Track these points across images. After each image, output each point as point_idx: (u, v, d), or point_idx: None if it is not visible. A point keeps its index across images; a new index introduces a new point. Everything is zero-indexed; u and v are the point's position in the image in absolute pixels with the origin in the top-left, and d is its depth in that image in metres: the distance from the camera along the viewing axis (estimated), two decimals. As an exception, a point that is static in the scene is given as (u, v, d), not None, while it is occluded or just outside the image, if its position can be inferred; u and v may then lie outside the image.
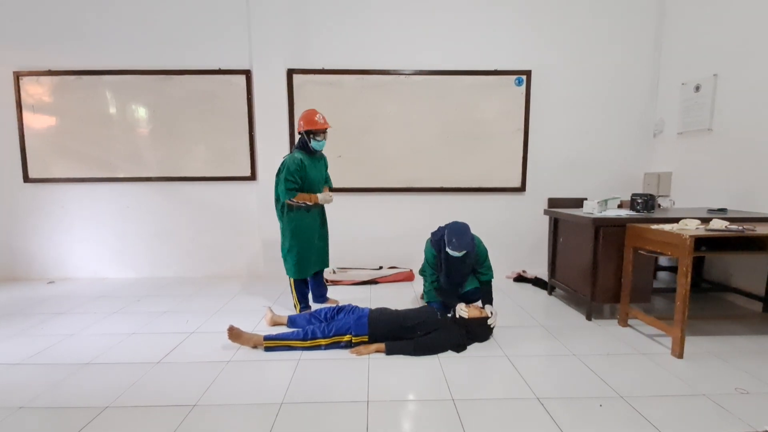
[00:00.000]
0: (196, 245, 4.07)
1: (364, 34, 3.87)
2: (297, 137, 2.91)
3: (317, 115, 2.77)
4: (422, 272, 2.98)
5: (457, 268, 2.59)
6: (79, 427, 1.62)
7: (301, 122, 2.79)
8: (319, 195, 2.80)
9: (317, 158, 2.91)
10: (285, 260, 2.89)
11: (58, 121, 3.85)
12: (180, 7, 3.77)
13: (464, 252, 2.49)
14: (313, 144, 2.80)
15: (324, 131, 2.81)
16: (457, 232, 2.49)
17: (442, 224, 2.72)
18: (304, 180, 2.75)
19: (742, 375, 2.02)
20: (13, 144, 3.85)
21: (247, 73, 3.83)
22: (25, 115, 3.82)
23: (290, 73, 3.85)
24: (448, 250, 2.51)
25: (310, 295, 3.07)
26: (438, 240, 2.63)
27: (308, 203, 2.79)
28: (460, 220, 2.66)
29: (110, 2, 3.74)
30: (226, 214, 4.03)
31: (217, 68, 3.83)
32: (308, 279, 2.99)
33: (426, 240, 2.86)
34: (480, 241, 2.66)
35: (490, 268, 2.68)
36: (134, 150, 3.91)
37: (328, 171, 3.09)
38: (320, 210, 2.98)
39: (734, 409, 1.72)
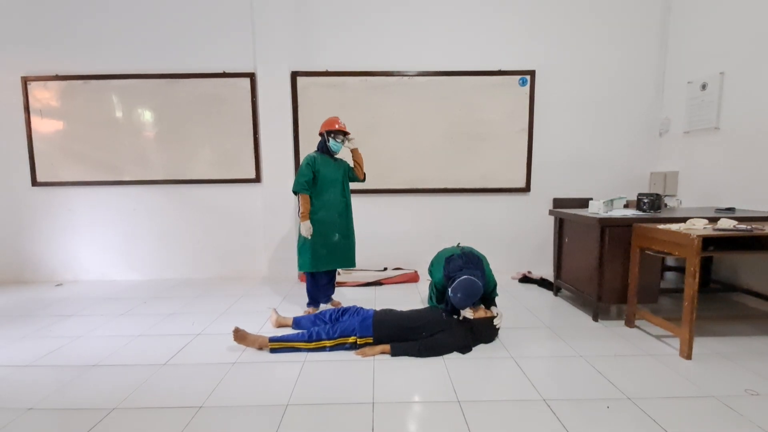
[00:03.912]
0: (201, 247, 4.09)
1: (368, 36, 3.88)
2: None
3: (337, 122, 2.96)
4: (429, 272, 2.94)
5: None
6: (87, 428, 1.63)
7: (322, 126, 2.99)
8: (305, 222, 2.85)
9: (335, 161, 3.02)
10: (299, 254, 2.96)
11: (65, 126, 3.90)
12: (185, 12, 3.81)
13: None
14: (330, 144, 2.95)
15: (343, 134, 2.97)
16: (467, 292, 2.30)
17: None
18: (317, 175, 2.90)
19: (752, 376, 1.99)
20: (21, 148, 3.90)
21: (252, 76, 3.85)
22: (33, 119, 3.87)
23: (294, 75, 3.87)
24: (450, 295, 2.37)
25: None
26: (450, 275, 2.45)
27: (300, 212, 2.89)
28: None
29: (116, 7, 3.78)
30: (231, 217, 4.06)
31: (221, 71, 3.86)
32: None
33: (439, 254, 2.74)
34: (490, 273, 2.54)
35: (497, 293, 2.64)
36: (140, 153, 3.95)
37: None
38: (342, 208, 3.01)
39: (744, 411, 1.70)
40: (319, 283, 3.08)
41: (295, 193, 2.90)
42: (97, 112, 3.89)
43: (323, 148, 2.99)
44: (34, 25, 3.79)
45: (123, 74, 3.85)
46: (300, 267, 2.97)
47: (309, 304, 3.04)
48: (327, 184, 2.94)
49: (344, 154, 3.08)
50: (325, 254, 2.94)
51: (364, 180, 3.17)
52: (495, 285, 2.59)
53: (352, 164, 3.11)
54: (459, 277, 2.36)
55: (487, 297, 2.57)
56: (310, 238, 2.88)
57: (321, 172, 2.91)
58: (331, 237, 2.95)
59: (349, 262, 3.07)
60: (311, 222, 2.88)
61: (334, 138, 2.94)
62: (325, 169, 2.93)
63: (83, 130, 3.91)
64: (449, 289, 2.37)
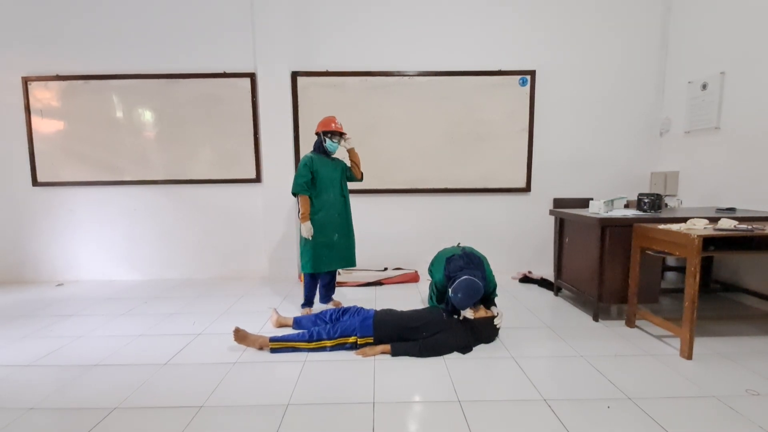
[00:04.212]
0: (202, 247, 4.09)
1: (368, 36, 3.88)
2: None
3: (333, 122, 2.95)
4: (429, 271, 2.95)
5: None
6: (88, 427, 1.63)
7: (318, 125, 2.98)
8: (306, 223, 2.84)
9: (332, 160, 3.01)
10: (301, 255, 2.96)
11: (65, 126, 3.90)
12: (185, 12, 3.81)
13: None
14: (327, 144, 2.94)
15: (339, 135, 2.95)
16: (468, 292, 2.29)
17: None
18: (315, 175, 2.88)
19: (753, 376, 1.99)
20: (22, 148, 3.90)
21: (252, 76, 3.85)
22: (34, 119, 3.88)
23: (294, 75, 3.87)
24: (450, 295, 2.37)
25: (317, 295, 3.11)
26: (450, 275, 2.46)
27: (300, 213, 2.88)
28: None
29: (117, 8, 3.79)
30: (231, 216, 4.06)
31: (222, 71, 3.86)
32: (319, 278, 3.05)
33: (440, 254, 2.76)
34: (491, 274, 2.55)
35: (496, 294, 2.64)
36: (141, 153, 3.95)
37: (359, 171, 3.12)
38: (342, 208, 3.01)
39: (745, 411, 1.70)
40: (320, 283, 3.08)
41: (295, 194, 2.89)
42: (98, 112, 3.89)
43: (320, 148, 2.98)
44: (35, 25, 3.79)
45: (123, 74, 3.85)
46: (303, 268, 2.97)
47: (304, 305, 3.02)
48: (325, 184, 2.93)
49: (341, 153, 3.06)
50: (327, 254, 2.94)
51: (361, 179, 3.15)
52: (495, 286, 2.59)
53: (348, 163, 3.09)
54: (459, 277, 2.36)
55: (488, 297, 2.57)
56: (311, 239, 2.87)
57: (319, 172, 2.90)
58: (331, 237, 2.94)
59: (350, 262, 3.07)
60: (311, 223, 2.88)
61: (330, 138, 2.93)
62: (323, 169, 2.92)
63: (84, 130, 3.91)
64: (450, 290, 2.37)
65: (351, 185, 3.12)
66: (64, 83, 3.84)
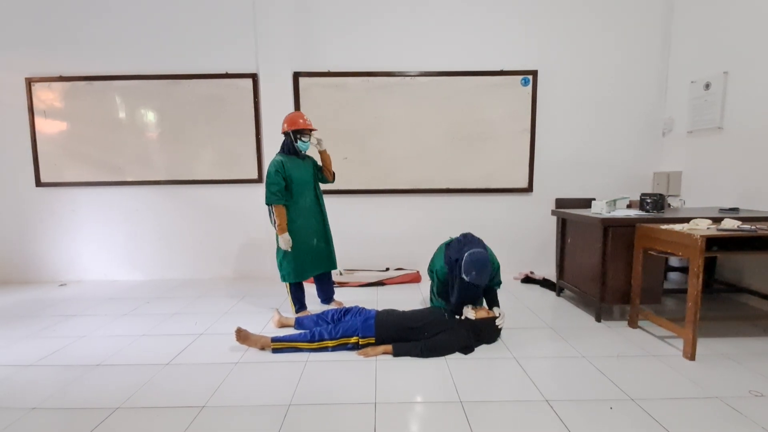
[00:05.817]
0: (204, 247, 4.10)
1: (370, 36, 3.88)
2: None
3: (302, 117, 2.80)
4: (430, 271, 2.94)
5: (471, 292, 2.46)
6: (91, 427, 1.64)
7: (285, 124, 2.81)
8: (283, 235, 2.71)
9: (302, 159, 2.88)
10: (280, 266, 2.84)
11: (69, 126, 3.92)
12: (187, 12, 3.82)
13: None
14: (299, 144, 2.80)
15: (309, 132, 2.82)
16: (478, 264, 2.29)
17: (453, 233, 2.63)
18: (288, 180, 2.74)
19: (756, 377, 1.98)
20: (26, 149, 3.92)
21: (254, 77, 3.86)
22: (37, 120, 3.89)
23: (296, 76, 3.87)
24: (464, 277, 2.35)
25: (316, 297, 3.10)
26: (453, 261, 2.45)
27: (277, 224, 2.73)
28: (470, 231, 2.60)
29: (119, 8, 3.80)
30: (233, 217, 4.06)
31: (224, 72, 3.86)
32: (305, 282, 2.98)
33: (438, 248, 2.78)
34: (492, 255, 2.54)
35: (500, 280, 2.62)
36: (143, 154, 3.96)
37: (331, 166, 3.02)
38: (317, 210, 2.93)
39: (748, 412, 1.69)
40: (318, 286, 3.07)
41: (269, 204, 2.72)
42: (101, 112, 3.90)
43: (290, 149, 2.80)
44: (38, 26, 3.81)
45: (126, 75, 3.86)
46: (283, 278, 2.85)
47: (299, 310, 2.93)
48: (300, 188, 2.79)
49: (311, 151, 2.95)
50: (309, 261, 2.86)
51: (333, 181, 3.05)
52: (498, 266, 2.56)
53: (319, 162, 2.97)
54: (465, 253, 2.34)
55: (490, 289, 2.55)
56: (290, 250, 2.76)
57: (292, 176, 2.73)
58: (311, 243, 2.85)
59: (331, 265, 3.01)
60: (290, 232, 2.74)
61: (301, 138, 2.77)
62: (296, 172, 2.76)
63: (87, 131, 3.92)
64: (463, 273, 2.32)
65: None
66: (67, 84, 3.86)
